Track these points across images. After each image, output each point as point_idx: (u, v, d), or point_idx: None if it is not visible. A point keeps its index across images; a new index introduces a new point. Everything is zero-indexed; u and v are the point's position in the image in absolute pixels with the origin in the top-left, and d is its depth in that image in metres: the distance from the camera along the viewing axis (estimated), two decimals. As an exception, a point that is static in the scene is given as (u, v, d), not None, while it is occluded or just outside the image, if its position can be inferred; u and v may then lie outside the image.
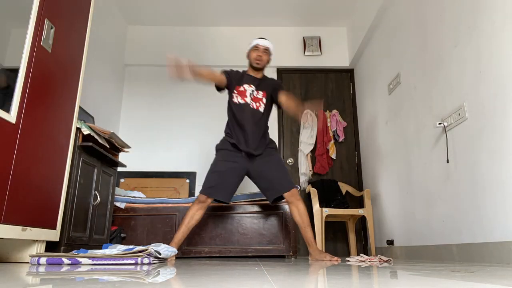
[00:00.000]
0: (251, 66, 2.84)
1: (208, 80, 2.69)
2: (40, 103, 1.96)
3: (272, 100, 2.82)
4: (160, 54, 4.72)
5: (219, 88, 2.81)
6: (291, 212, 2.73)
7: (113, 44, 4.35)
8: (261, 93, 2.78)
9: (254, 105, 2.74)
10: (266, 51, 2.80)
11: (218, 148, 2.77)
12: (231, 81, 2.78)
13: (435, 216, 2.67)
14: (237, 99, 2.74)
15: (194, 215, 2.62)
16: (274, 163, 2.72)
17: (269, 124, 2.91)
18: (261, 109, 2.76)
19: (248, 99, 2.74)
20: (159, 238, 3.17)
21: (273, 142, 2.85)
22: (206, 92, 4.65)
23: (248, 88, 2.77)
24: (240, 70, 2.92)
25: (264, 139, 2.77)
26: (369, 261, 2.31)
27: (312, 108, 2.67)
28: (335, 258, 2.53)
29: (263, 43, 2.80)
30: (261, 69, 2.83)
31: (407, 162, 3.16)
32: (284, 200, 2.77)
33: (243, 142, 2.69)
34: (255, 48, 2.81)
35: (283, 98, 2.76)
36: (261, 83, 2.81)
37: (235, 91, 2.76)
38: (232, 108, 2.75)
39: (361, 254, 2.67)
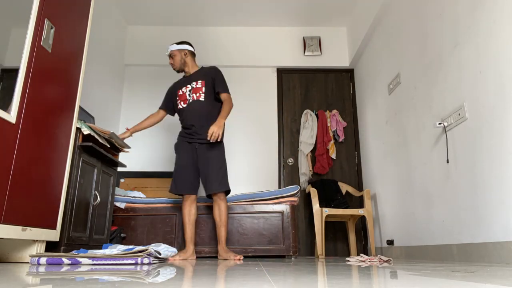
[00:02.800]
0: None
1: (152, 124, 3.11)
2: (40, 103, 1.96)
3: (213, 86, 2.94)
4: (160, 54, 4.72)
5: (173, 113, 3.11)
6: (213, 210, 2.85)
7: (113, 44, 4.35)
8: (200, 82, 2.93)
9: (194, 96, 2.90)
10: (172, 56, 3.01)
11: (176, 147, 2.96)
12: (170, 99, 3.08)
13: (435, 216, 2.67)
14: (180, 105, 2.95)
15: (190, 211, 2.82)
16: (211, 159, 2.80)
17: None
18: (202, 97, 2.90)
19: (188, 101, 2.91)
20: (159, 238, 3.17)
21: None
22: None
23: (185, 90, 2.95)
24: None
25: (209, 123, 2.83)
26: (369, 261, 2.31)
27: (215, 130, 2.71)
28: (238, 257, 2.69)
29: (167, 51, 3.03)
30: (183, 70, 3.03)
31: (407, 162, 3.16)
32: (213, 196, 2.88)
33: (191, 135, 2.86)
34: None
35: (224, 102, 2.88)
36: (196, 76, 2.98)
37: (177, 98, 2.99)
38: (178, 113, 3.00)
39: (361, 254, 2.67)
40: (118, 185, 4.17)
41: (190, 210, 2.81)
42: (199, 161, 2.82)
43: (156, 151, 4.45)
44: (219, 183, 2.76)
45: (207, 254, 3.14)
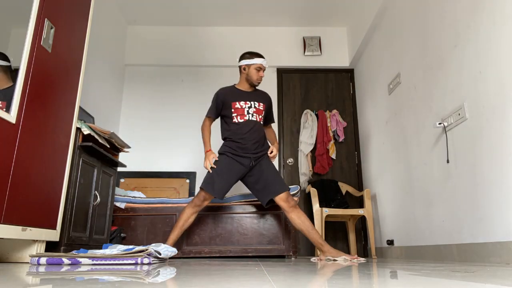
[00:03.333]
0: (248, 82, 2.90)
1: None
2: (40, 103, 1.96)
3: (267, 112, 3.00)
4: (160, 54, 4.72)
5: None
6: (291, 221, 2.73)
7: (113, 44, 4.35)
8: (261, 105, 2.90)
9: (257, 117, 2.86)
10: (263, 70, 2.90)
11: (222, 152, 2.82)
12: (221, 108, 2.88)
13: (435, 216, 2.67)
14: (236, 118, 2.83)
15: (189, 218, 2.75)
16: (269, 166, 2.83)
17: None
18: (262, 121, 2.92)
19: (247, 116, 2.83)
20: (159, 238, 3.17)
21: (267, 145, 2.96)
22: (206, 92, 4.65)
23: (245, 105, 2.85)
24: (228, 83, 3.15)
25: (264, 144, 2.90)
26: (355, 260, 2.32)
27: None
28: (351, 256, 2.57)
29: (266, 64, 2.89)
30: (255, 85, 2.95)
31: (407, 162, 3.16)
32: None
33: (247, 150, 2.78)
34: (259, 67, 2.86)
35: (269, 130, 3.06)
36: (256, 96, 2.93)
37: (232, 110, 2.84)
38: (231, 126, 2.83)
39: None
40: (118, 185, 4.17)
41: (188, 218, 2.74)
42: (254, 174, 2.79)
43: (156, 151, 4.45)
44: (284, 183, 2.77)
45: (207, 254, 3.14)
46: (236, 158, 2.77)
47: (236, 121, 2.82)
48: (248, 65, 2.86)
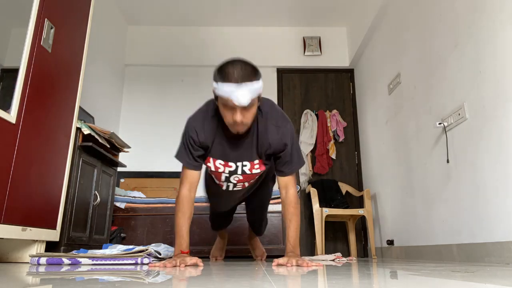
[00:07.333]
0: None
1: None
2: (40, 103, 1.96)
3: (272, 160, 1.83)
4: (160, 54, 4.72)
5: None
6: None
7: (113, 44, 4.35)
8: (256, 162, 1.76)
9: (243, 185, 1.92)
10: (248, 107, 1.52)
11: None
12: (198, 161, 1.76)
13: (435, 216, 2.67)
14: (216, 179, 1.92)
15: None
16: (259, 199, 2.28)
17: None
18: (254, 181, 1.95)
19: (225, 185, 1.88)
20: (159, 238, 3.17)
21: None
22: (206, 93, 4.65)
23: (221, 166, 1.75)
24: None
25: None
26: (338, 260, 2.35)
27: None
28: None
29: (240, 100, 1.47)
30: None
31: (407, 162, 3.16)
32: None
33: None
34: (225, 106, 1.54)
35: (287, 201, 1.79)
36: (248, 147, 1.71)
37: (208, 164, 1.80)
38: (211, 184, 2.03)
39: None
40: (118, 185, 4.17)
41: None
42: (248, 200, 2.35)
43: (156, 151, 4.44)
44: (259, 229, 2.58)
45: (207, 254, 3.13)
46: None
47: (217, 183, 1.95)
48: (217, 100, 1.60)
